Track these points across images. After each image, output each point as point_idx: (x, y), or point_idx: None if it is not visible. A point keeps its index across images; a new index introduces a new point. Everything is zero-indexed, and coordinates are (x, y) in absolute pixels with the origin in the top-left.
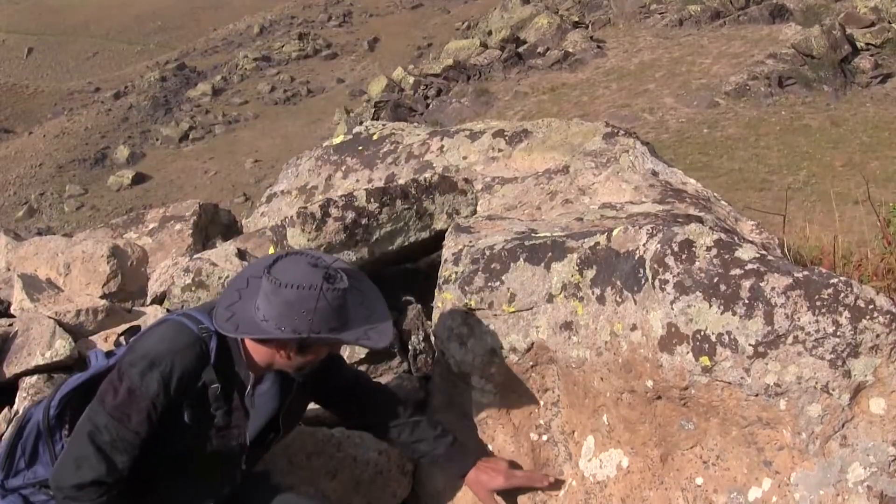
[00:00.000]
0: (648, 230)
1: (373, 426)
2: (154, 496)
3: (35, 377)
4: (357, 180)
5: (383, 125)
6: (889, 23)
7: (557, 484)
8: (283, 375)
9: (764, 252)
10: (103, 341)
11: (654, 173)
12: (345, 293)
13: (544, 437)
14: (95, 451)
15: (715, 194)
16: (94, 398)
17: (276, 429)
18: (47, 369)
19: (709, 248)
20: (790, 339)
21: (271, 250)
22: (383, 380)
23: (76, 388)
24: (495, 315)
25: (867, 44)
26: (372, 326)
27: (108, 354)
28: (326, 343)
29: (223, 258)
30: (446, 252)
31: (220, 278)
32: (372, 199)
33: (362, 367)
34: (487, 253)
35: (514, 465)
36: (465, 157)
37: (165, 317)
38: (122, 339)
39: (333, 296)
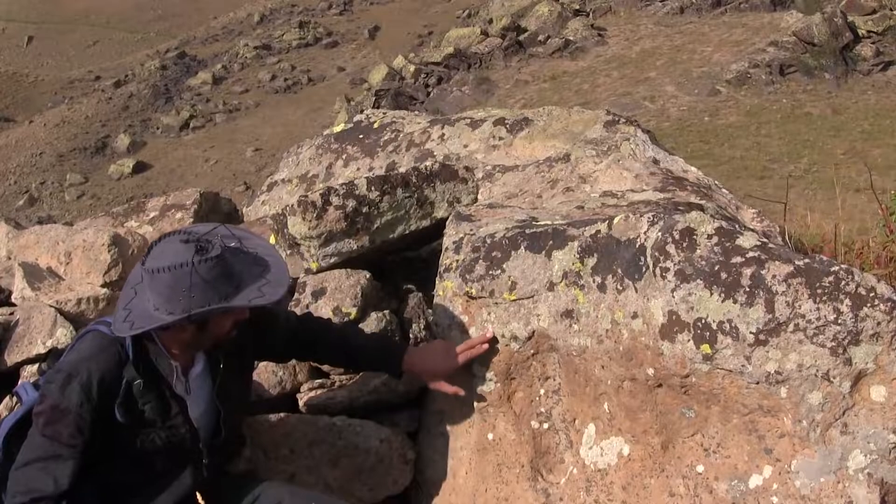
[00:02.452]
0: (649, 218)
1: (320, 361)
2: (126, 499)
3: (36, 366)
4: (358, 168)
5: (384, 113)
6: (891, 10)
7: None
8: (209, 354)
9: (765, 240)
10: None
11: (655, 161)
12: (220, 260)
13: (545, 425)
14: (36, 471)
15: (716, 182)
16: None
17: (217, 410)
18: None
19: (710, 236)
20: (791, 327)
21: (272, 239)
22: None
23: (15, 424)
24: (496, 303)
25: (869, 31)
26: (265, 281)
27: (35, 385)
28: (218, 314)
29: None
30: (447, 240)
31: None
32: (373, 188)
33: None
34: (488, 241)
35: (448, 346)
36: (465, 146)
37: (84, 329)
38: (43, 366)
39: (207, 267)
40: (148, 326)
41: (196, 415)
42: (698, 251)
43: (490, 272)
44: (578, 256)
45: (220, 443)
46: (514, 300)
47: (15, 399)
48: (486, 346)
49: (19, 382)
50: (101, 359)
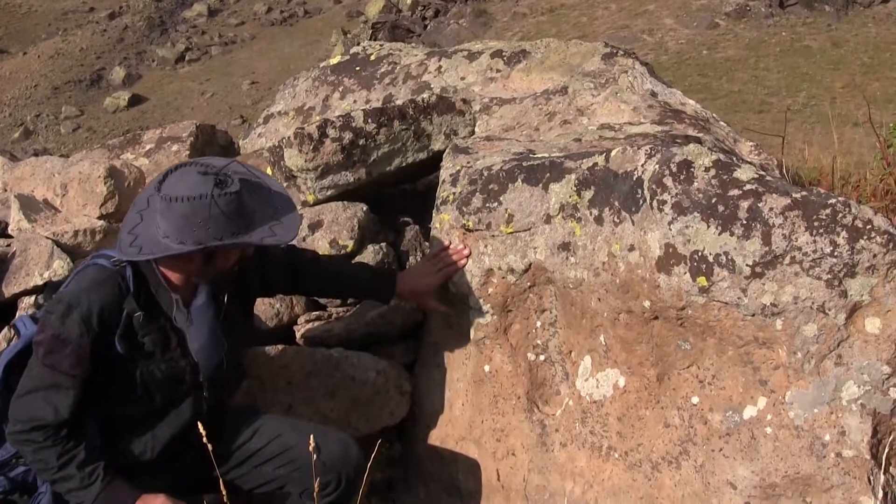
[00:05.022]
0: (647, 151)
1: (311, 293)
2: (125, 432)
3: (34, 297)
4: (354, 101)
5: (381, 46)
6: None
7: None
8: (214, 286)
9: (762, 173)
10: None
11: (653, 94)
12: (238, 196)
13: (542, 357)
14: (37, 398)
15: (714, 115)
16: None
17: (221, 343)
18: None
19: (707, 169)
20: (787, 260)
21: (269, 171)
22: None
23: (15, 356)
24: (493, 236)
25: None
26: (277, 222)
27: (33, 318)
28: (231, 248)
29: None
30: (444, 173)
31: None
32: (370, 120)
33: None
34: (485, 174)
35: (430, 263)
36: (463, 78)
37: (83, 262)
38: (40, 299)
39: (226, 201)
40: (158, 254)
41: (195, 348)
42: (696, 184)
43: (487, 205)
44: (576, 189)
45: (221, 377)
46: (511, 233)
47: (13, 332)
48: (464, 261)
49: (17, 314)
50: (102, 290)
